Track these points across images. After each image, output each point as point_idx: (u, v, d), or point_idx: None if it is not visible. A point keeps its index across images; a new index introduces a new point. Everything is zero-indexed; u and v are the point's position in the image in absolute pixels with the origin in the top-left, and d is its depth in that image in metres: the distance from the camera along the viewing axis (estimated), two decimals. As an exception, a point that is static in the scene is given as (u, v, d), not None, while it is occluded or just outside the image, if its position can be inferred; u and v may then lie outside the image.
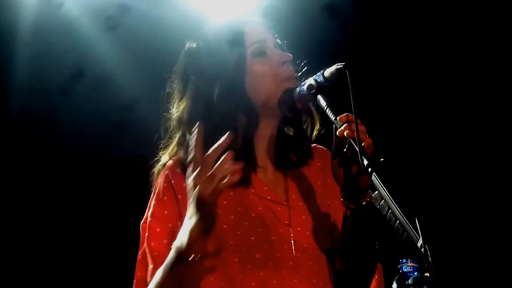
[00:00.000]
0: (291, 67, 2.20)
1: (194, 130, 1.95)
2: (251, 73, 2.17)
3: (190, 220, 1.96)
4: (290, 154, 2.28)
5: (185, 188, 2.01)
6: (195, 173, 1.92)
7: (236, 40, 2.19)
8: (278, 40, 2.26)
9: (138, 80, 4.07)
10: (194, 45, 2.25)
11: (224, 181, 1.89)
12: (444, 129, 4.24)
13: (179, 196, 2.14)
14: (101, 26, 4.12)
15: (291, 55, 2.22)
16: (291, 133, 2.29)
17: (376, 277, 2.26)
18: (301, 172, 2.28)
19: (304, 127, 2.27)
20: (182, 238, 1.98)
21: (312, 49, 3.63)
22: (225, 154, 1.89)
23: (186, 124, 2.19)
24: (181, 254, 1.97)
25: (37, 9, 4.06)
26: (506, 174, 4.17)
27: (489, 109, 4.21)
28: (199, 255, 1.97)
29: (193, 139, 1.95)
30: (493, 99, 4.20)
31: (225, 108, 2.13)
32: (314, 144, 2.32)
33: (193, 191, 1.93)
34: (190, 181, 1.94)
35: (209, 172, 1.89)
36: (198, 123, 1.97)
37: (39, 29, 4.08)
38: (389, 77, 4.23)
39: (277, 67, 2.18)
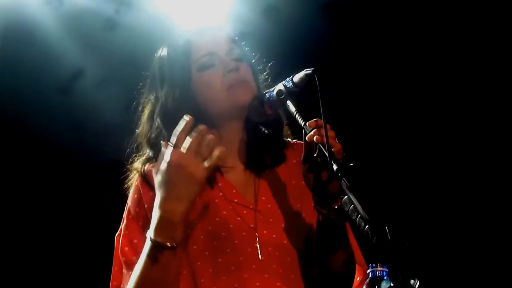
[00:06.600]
0: (239, 73, 2.21)
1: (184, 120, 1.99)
2: (199, 84, 2.21)
3: (169, 203, 1.96)
4: (264, 155, 2.28)
5: (151, 196, 2.05)
6: (176, 154, 1.95)
7: (183, 54, 2.23)
8: (236, 45, 2.28)
9: (114, 85, 4.04)
10: (156, 58, 2.29)
11: (212, 156, 1.96)
12: (414, 134, 4.26)
13: (146, 206, 2.15)
14: (73, 31, 4.10)
15: (240, 62, 2.23)
16: (265, 133, 2.29)
17: (359, 278, 2.26)
18: (275, 172, 2.28)
19: (276, 129, 2.28)
20: (160, 224, 1.97)
21: (285, 53, 3.64)
22: (197, 128, 1.96)
23: (146, 134, 2.25)
24: (160, 243, 1.97)
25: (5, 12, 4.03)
26: (475, 176, 4.20)
27: (459, 113, 4.24)
28: (178, 241, 1.98)
29: (180, 126, 1.98)
30: (464, 103, 4.23)
31: (176, 116, 2.09)
32: (295, 140, 2.33)
33: (171, 173, 1.95)
34: (170, 160, 1.95)
35: (190, 153, 1.94)
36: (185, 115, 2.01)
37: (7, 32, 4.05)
38: (356, 82, 4.25)
39: (223, 77, 2.20)
